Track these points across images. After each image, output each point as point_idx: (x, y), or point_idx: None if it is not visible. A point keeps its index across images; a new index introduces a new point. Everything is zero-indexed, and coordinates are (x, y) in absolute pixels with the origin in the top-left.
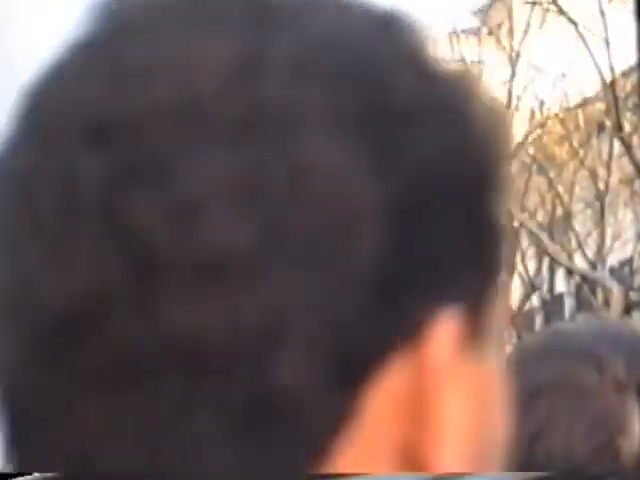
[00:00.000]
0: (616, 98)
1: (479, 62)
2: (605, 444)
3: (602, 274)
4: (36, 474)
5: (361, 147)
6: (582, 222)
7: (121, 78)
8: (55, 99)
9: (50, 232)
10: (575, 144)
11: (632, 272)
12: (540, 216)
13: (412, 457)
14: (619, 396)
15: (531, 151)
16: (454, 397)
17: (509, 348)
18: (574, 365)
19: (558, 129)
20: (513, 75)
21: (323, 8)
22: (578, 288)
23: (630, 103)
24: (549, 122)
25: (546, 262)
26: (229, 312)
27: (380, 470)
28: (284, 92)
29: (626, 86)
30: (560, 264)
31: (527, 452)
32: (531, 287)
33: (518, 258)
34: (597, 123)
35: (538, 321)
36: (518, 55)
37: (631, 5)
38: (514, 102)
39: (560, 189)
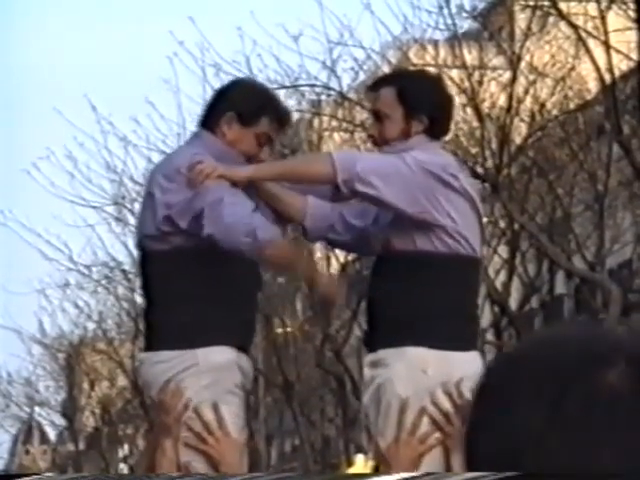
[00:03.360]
0: (615, 101)
1: (480, 66)
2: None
3: (601, 276)
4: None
5: None
6: (581, 224)
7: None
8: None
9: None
10: (575, 147)
11: (631, 274)
12: (540, 218)
13: None
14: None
15: (531, 154)
16: None
17: (510, 348)
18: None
19: (558, 132)
20: (514, 78)
21: None
22: (577, 290)
23: (629, 106)
24: (549, 125)
25: (546, 264)
26: None
27: None
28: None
29: (625, 89)
30: (560, 266)
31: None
32: (531, 288)
33: (518, 260)
34: (597, 126)
35: (538, 322)
36: (519, 58)
37: (630, 10)
38: (515, 105)
39: (560, 191)
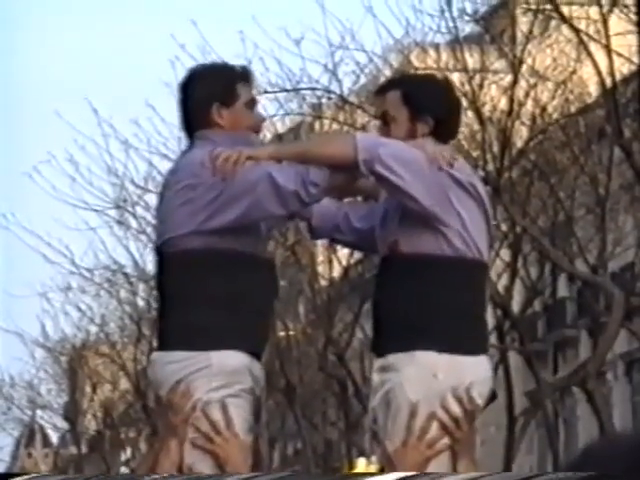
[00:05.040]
0: (616, 105)
1: (481, 69)
2: None
3: (603, 279)
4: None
5: None
6: (583, 227)
7: None
8: None
9: None
10: (576, 150)
11: (633, 277)
12: (542, 222)
13: None
14: None
15: (532, 157)
16: None
17: (512, 352)
18: None
19: (559, 135)
20: (515, 82)
21: None
22: (580, 293)
23: (630, 109)
24: (550, 128)
25: (548, 267)
26: None
27: None
28: None
29: (626, 93)
30: (562, 269)
31: None
32: (533, 292)
33: (520, 263)
34: (598, 129)
35: (540, 325)
36: (520, 62)
37: (632, 14)
38: (516, 108)
39: (561, 195)
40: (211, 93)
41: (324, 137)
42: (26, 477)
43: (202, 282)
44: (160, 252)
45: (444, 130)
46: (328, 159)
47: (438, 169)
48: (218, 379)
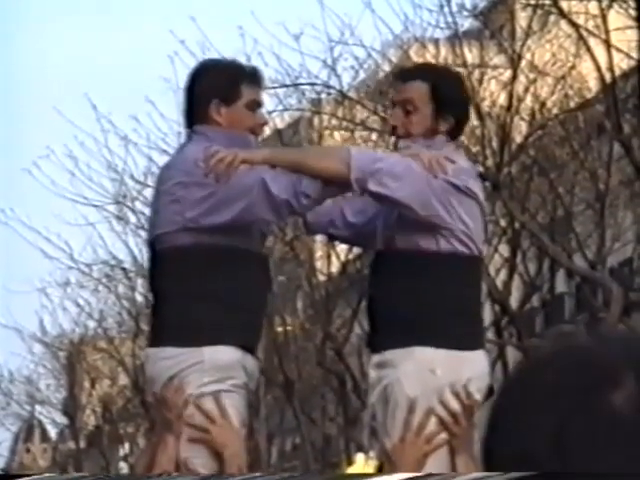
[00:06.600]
0: (616, 100)
1: (481, 64)
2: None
3: (602, 275)
4: (37, 475)
5: None
6: (582, 223)
7: None
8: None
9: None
10: (575, 146)
11: (632, 273)
12: (541, 217)
13: None
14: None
15: (532, 152)
16: None
17: (510, 347)
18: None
19: (558, 130)
20: (514, 77)
21: None
22: (578, 288)
23: (630, 105)
24: (550, 124)
25: (547, 263)
26: None
27: None
28: None
29: (626, 88)
30: (560, 265)
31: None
32: (532, 287)
33: (519, 258)
34: (597, 125)
35: (538, 321)
36: (519, 57)
37: (631, 9)
38: (515, 104)
39: (560, 190)
40: (212, 89)
41: (321, 149)
42: (35, 478)
43: (193, 278)
44: (152, 248)
45: (458, 130)
46: (321, 173)
47: (434, 177)
48: (210, 374)
